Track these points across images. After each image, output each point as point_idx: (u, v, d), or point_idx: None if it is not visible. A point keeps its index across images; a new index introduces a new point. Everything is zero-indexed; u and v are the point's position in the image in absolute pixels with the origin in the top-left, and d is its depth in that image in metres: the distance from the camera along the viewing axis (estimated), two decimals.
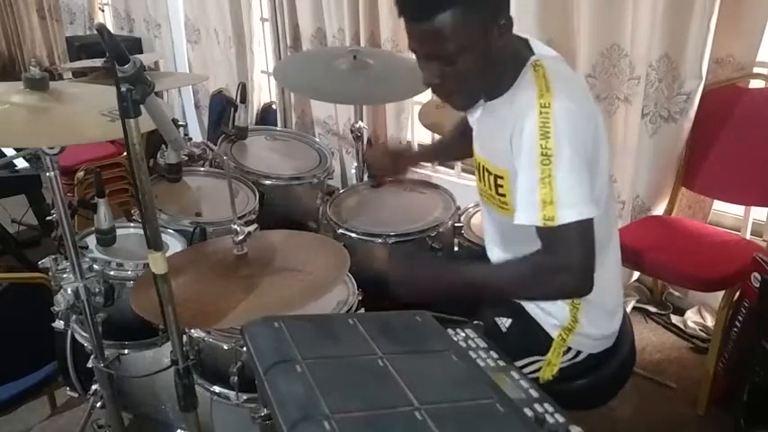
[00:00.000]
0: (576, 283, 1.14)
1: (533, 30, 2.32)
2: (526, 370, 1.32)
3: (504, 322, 1.38)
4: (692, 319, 2.45)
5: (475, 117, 1.43)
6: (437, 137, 3.04)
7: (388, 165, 1.85)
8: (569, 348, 1.33)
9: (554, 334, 1.33)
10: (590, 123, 1.17)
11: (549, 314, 1.33)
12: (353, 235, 1.89)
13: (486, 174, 1.34)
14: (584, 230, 1.12)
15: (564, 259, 1.13)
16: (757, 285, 1.75)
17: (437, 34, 1.15)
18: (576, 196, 1.12)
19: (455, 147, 1.67)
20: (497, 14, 1.17)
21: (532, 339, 1.34)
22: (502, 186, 1.29)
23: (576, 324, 1.31)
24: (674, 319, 2.49)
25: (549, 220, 1.12)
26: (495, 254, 1.45)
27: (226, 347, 1.44)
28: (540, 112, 1.13)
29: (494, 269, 1.37)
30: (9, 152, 2.59)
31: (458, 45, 1.16)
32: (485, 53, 1.18)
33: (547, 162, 1.12)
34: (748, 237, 2.31)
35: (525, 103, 1.16)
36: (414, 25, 1.17)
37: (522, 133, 1.15)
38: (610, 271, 1.35)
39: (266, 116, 3.71)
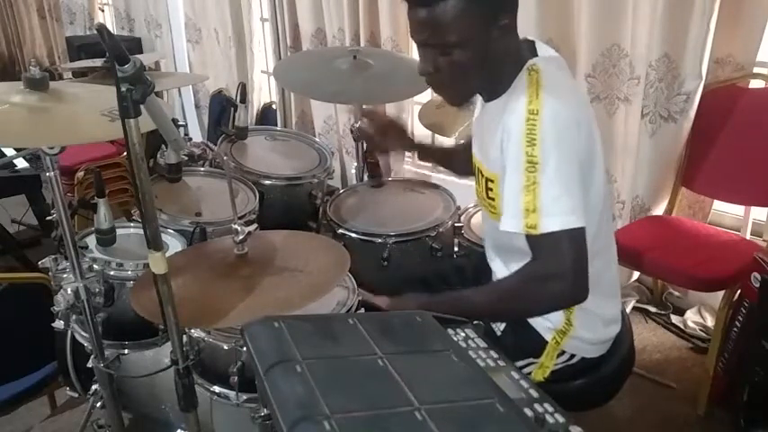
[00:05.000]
0: (569, 291, 1.13)
1: (533, 30, 2.32)
2: None
3: (499, 325, 1.38)
4: (692, 319, 2.45)
5: (474, 118, 1.43)
6: (437, 137, 3.06)
7: (374, 134, 1.76)
8: (563, 351, 1.33)
9: (548, 337, 1.33)
10: (581, 132, 1.16)
11: (544, 317, 1.32)
12: (353, 235, 1.90)
13: (480, 176, 1.34)
14: (573, 239, 1.11)
15: (554, 267, 1.12)
16: (757, 285, 1.75)
17: (436, 23, 1.15)
18: (562, 205, 1.11)
19: (456, 157, 1.64)
20: (499, 13, 1.17)
21: (526, 342, 1.34)
22: (492, 190, 1.29)
23: (570, 327, 1.30)
24: (674, 319, 2.49)
25: (532, 228, 1.11)
26: (489, 258, 1.45)
27: (226, 347, 1.44)
28: (528, 119, 1.12)
29: (488, 289, 1.34)
30: (9, 152, 2.59)
31: (455, 36, 1.16)
32: (482, 49, 1.18)
33: (532, 170, 1.11)
34: (748, 237, 2.31)
35: (515, 108, 1.15)
36: (415, 11, 1.18)
37: (510, 139, 1.15)
38: (607, 277, 1.35)
39: (266, 116, 3.71)
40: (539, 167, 1.11)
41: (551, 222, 1.10)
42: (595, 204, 1.22)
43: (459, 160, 1.62)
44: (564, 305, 1.24)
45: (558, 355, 1.33)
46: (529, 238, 1.14)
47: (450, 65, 1.20)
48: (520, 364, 1.32)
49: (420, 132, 3.18)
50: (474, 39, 1.17)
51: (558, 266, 1.12)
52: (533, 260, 1.16)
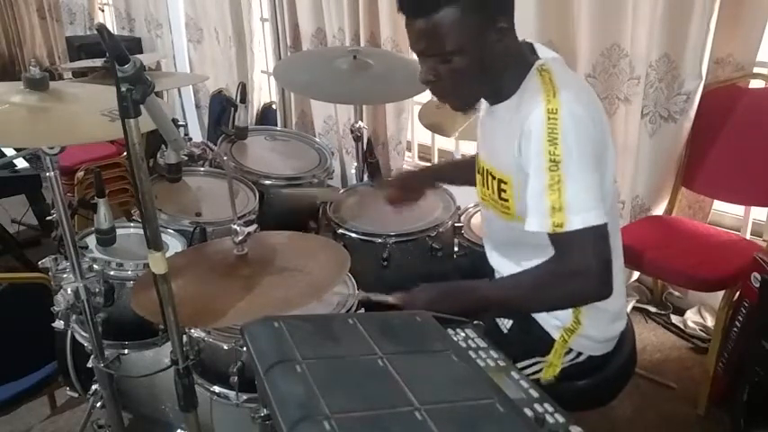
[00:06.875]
0: (594, 287, 1.13)
1: (533, 30, 2.32)
2: (527, 371, 1.32)
3: (506, 323, 1.38)
4: (692, 319, 2.45)
5: (479, 121, 1.42)
6: (437, 137, 3.07)
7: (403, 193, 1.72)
8: (570, 350, 1.33)
9: (556, 335, 1.33)
10: (598, 127, 1.17)
11: (552, 315, 1.33)
12: (353, 235, 1.89)
13: (489, 178, 1.34)
14: (597, 235, 1.11)
15: (578, 264, 1.12)
16: (757, 285, 1.75)
17: (432, 32, 1.16)
18: (585, 202, 1.12)
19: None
20: (496, 18, 1.17)
21: (534, 340, 1.34)
22: (505, 192, 1.28)
23: (579, 326, 1.30)
24: (674, 319, 2.49)
25: (558, 226, 1.12)
26: (495, 258, 1.45)
27: (226, 347, 1.44)
28: (549, 118, 1.12)
29: (508, 281, 1.34)
30: (9, 152, 2.59)
31: (452, 45, 1.16)
32: (480, 55, 1.19)
33: (555, 168, 1.11)
34: (748, 237, 2.31)
35: (533, 109, 1.15)
36: (412, 22, 1.18)
37: (531, 139, 1.15)
38: (616, 274, 1.35)
39: (266, 116, 3.71)
40: (562, 166, 1.11)
41: (577, 220, 1.11)
42: (605, 196, 1.22)
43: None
44: (587, 302, 1.24)
45: (566, 354, 1.33)
46: (553, 236, 1.14)
47: (451, 72, 1.20)
48: (527, 362, 1.33)
49: (420, 132, 3.22)
50: (472, 45, 1.17)
51: (583, 264, 1.12)
52: (558, 257, 1.16)
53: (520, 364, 1.30)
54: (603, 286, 1.13)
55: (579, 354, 1.34)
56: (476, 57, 1.18)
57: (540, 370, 1.33)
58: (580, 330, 1.31)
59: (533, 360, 1.33)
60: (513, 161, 1.21)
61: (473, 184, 1.53)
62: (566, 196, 1.11)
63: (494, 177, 1.32)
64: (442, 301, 1.23)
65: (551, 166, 1.12)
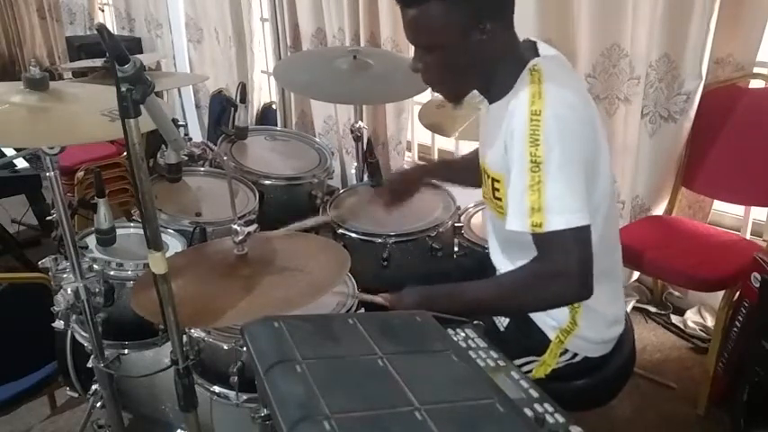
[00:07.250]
0: (574, 289, 1.13)
1: (533, 30, 2.32)
2: (521, 369, 1.32)
3: (503, 321, 1.38)
4: (692, 319, 2.45)
5: (480, 120, 1.43)
6: (437, 137, 3.07)
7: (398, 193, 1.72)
8: (566, 350, 1.33)
9: (552, 335, 1.33)
10: (586, 129, 1.17)
11: (548, 315, 1.33)
12: (353, 235, 1.89)
13: (486, 176, 1.35)
14: (579, 237, 1.11)
15: (559, 265, 1.12)
16: (757, 285, 1.75)
17: (416, 23, 1.20)
18: (566, 204, 1.12)
19: (471, 170, 1.58)
20: (481, 18, 1.18)
21: (530, 339, 1.34)
22: (498, 190, 1.29)
23: (575, 326, 1.30)
24: (674, 319, 2.49)
25: (537, 226, 1.12)
26: (497, 257, 1.45)
27: (226, 347, 1.44)
28: (531, 119, 1.13)
29: (491, 283, 1.34)
30: (9, 152, 2.59)
31: (435, 38, 1.20)
32: (462, 53, 1.20)
33: (536, 169, 1.12)
34: (748, 237, 2.31)
35: (518, 109, 1.16)
36: (404, 12, 1.22)
37: (514, 139, 1.16)
38: (613, 278, 1.35)
39: (266, 116, 3.71)
40: (542, 167, 1.11)
41: (557, 221, 1.11)
42: (599, 204, 1.23)
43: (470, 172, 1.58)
44: (567, 303, 1.25)
45: (561, 354, 1.33)
46: (534, 236, 1.14)
47: (436, 65, 1.24)
48: (521, 361, 1.33)
49: (420, 132, 3.22)
50: (454, 42, 1.19)
51: (564, 265, 1.12)
52: (539, 258, 1.16)
53: (514, 362, 1.30)
54: (583, 288, 1.13)
55: (575, 354, 1.34)
56: (457, 54, 1.21)
57: (532, 369, 1.33)
58: (576, 331, 1.31)
59: (528, 359, 1.33)
60: (503, 160, 1.22)
61: (466, 184, 1.54)
62: (546, 197, 1.11)
63: (488, 176, 1.32)
64: (426, 305, 1.23)
65: (533, 167, 1.12)
